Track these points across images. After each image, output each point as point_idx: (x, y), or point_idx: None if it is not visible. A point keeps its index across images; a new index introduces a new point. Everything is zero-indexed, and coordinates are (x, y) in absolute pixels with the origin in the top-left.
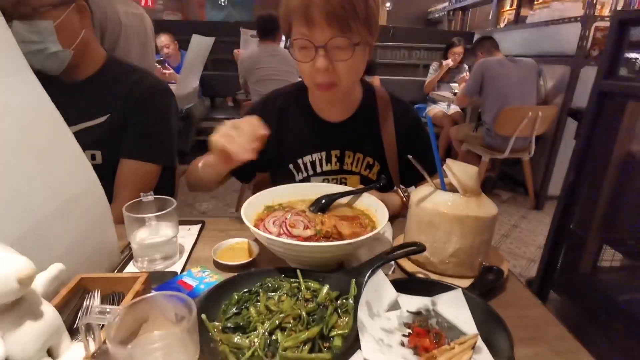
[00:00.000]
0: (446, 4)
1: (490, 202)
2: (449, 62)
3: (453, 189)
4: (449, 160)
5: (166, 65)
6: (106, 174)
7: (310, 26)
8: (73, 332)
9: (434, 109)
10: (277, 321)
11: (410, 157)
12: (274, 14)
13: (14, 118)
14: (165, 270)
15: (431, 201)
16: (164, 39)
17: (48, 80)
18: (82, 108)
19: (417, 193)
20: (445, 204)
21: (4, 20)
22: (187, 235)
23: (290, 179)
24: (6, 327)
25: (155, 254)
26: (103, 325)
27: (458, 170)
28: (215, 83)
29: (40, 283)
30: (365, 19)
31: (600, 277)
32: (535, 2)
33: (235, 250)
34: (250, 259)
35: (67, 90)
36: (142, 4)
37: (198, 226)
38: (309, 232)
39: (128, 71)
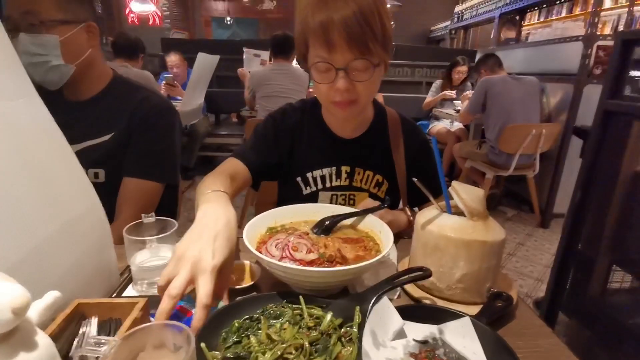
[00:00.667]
0: (448, 22)
1: (497, 226)
2: (452, 95)
3: (459, 212)
4: (454, 183)
5: (173, 80)
6: (109, 192)
7: (331, 49)
8: None
9: (437, 126)
10: (278, 352)
11: (415, 179)
12: (288, 34)
13: (17, 141)
14: None
15: (437, 224)
16: (174, 58)
17: (53, 99)
18: (87, 126)
19: (422, 215)
20: (452, 228)
21: (10, 42)
22: None
23: (297, 193)
24: None
25: (155, 277)
26: (98, 357)
27: (464, 193)
28: (220, 100)
29: (35, 312)
30: (382, 40)
31: (610, 299)
32: (537, 22)
33: (236, 273)
34: (252, 282)
35: (72, 109)
36: (150, 23)
37: None
38: (312, 256)
39: (133, 90)
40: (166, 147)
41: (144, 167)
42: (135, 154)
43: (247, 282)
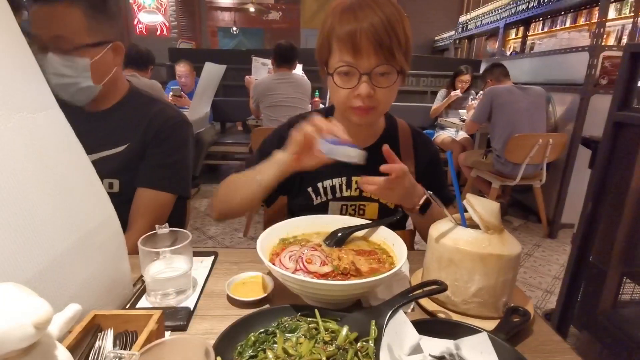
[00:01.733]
0: (453, 32)
1: (513, 239)
2: (458, 93)
3: (473, 225)
4: (469, 196)
5: (180, 90)
6: (122, 203)
7: (357, 54)
8: None
9: (443, 135)
10: None
11: (429, 193)
12: (292, 44)
13: (37, 153)
14: (178, 305)
15: (451, 238)
16: (183, 68)
17: (71, 109)
18: (103, 137)
19: (435, 228)
20: (467, 241)
21: (32, 55)
22: (200, 267)
23: (308, 203)
24: None
25: (168, 288)
26: None
27: (479, 206)
28: (226, 108)
29: (55, 326)
30: (405, 49)
31: (622, 312)
32: (541, 32)
33: (248, 284)
34: (265, 294)
35: (88, 119)
36: (158, 33)
37: (211, 258)
38: (326, 269)
39: (149, 102)
40: (180, 159)
41: (158, 178)
42: (150, 165)
43: (260, 294)
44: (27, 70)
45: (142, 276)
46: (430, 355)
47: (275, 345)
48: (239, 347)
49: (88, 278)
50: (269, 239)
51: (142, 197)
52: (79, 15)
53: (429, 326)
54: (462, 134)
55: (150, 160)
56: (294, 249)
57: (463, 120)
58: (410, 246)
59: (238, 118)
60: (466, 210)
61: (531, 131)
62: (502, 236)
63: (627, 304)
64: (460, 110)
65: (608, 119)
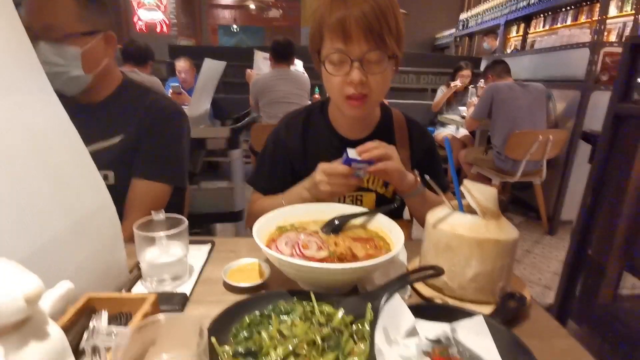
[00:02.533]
0: (453, 30)
1: (510, 225)
2: (457, 84)
3: (471, 211)
4: (466, 181)
5: (180, 88)
6: (118, 194)
7: (347, 41)
8: (78, 354)
9: (443, 132)
10: (290, 347)
11: (427, 177)
12: (289, 39)
13: (32, 135)
14: (174, 291)
15: (449, 223)
16: (183, 64)
17: (64, 101)
18: (97, 129)
19: (433, 215)
20: (464, 227)
21: (29, 41)
22: (197, 255)
23: None
24: (10, 348)
25: (164, 274)
26: (109, 348)
27: (476, 192)
28: (226, 105)
29: (47, 302)
30: (397, 35)
31: (621, 305)
32: (542, 29)
33: (245, 271)
34: (261, 280)
35: (82, 111)
36: (158, 30)
37: (207, 246)
38: (322, 254)
39: (143, 93)
40: (175, 149)
41: (153, 169)
42: (145, 156)
43: (256, 280)
44: (23, 53)
45: (138, 263)
46: (426, 338)
47: (271, 327)
48: (233, 329)
49: (83, 262)
50: (265, 226)
51: (137, 188)
52: (70, 3)
53: (425, 310)
54: (463, 132)
55: (145, 151)
56: (290, 235)
57: (463, 117)
58: (407, 236)
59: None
60: (463, 197)
61: (531, 128)
62: (499, 222)
63: (627, 298)
64: (460, 107)
65: (608, 111)
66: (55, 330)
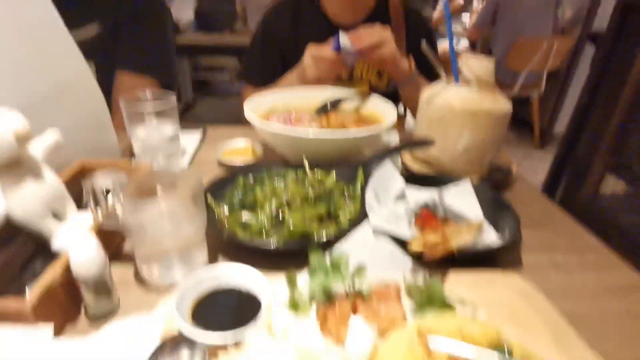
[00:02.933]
0: None
1: (503, 98)
2: (460, 2)
3: (466, 83)
4: (464, 55)
5: None
6: (101, 87)
7: None
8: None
9: (441, 45)
10: (284, 198)
11: (423, 46)
12: None
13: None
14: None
15: (443, 96)
16: None
17: None
18: (70, 14)
19: (428, 90)
20: (458, 98)
21: None
22: (190, 139)
23: None
24: (6, 185)
25: (158, 153)
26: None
27: (474, 63)
28: (212, 14)
29: (39, 149)
30: None
31: (601, 203)
32: None
33: (239, 152)
34: (255, 159)
35: None
36: None
37: (199, 131)
38: (314, 126)
39: None
40: (161, 40)
41: (139, 61)
42: (128, 46)
43: (249, 160)
44: None
45: (130, 145)
46: (414, 203)
47: (265, 188)
48: (228, 190)
49: (69, 130)
50: (259, 105)
51: (123, 82)
52: None
53: (414, 180)
54: (463, 44)
55: (128, 41)
56: (283, 114)
57: (465, 29)
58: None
59: (224, 26)
60: (460, 72)
61: (537, 34)
62: (493, 94)
63: (608, 197)
64: (463, 13)
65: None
66: (51, 175)
